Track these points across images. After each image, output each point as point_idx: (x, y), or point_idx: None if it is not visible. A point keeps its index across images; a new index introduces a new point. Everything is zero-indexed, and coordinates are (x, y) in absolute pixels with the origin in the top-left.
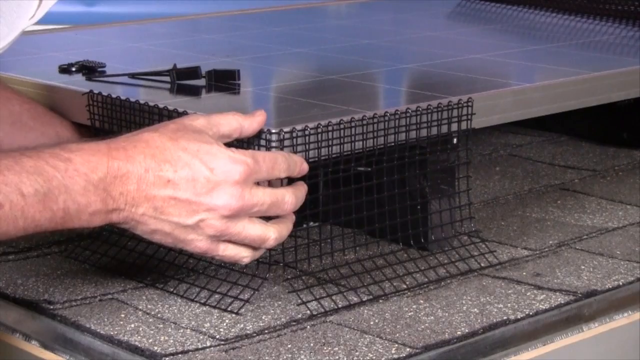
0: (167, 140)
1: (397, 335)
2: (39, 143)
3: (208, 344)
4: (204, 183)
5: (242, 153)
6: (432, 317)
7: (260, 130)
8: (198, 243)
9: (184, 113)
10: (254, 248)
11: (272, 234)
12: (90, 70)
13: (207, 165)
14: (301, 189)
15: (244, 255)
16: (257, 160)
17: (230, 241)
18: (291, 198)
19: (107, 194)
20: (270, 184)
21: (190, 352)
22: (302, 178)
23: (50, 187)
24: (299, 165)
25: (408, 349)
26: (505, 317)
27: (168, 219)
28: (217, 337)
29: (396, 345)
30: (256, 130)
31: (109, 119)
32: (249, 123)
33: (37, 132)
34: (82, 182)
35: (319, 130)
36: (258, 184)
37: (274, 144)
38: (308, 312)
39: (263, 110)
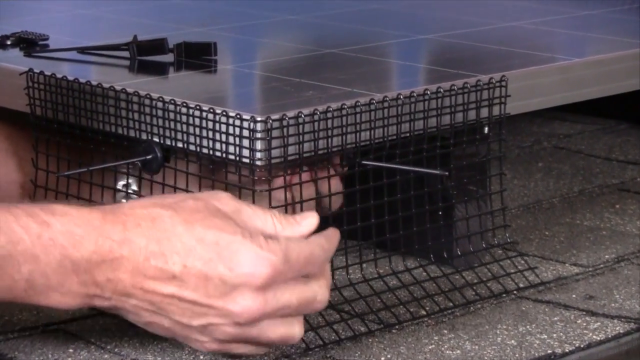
0: (179, 224)
1: None
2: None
3: None
4: (218, 284)
5: (271, 250)
6: (458, 351)
7: (242, 118)
8: (205, 344)
9: (147, 97)
10: None
11: (297, 331)
12: (29, 43)
13: (225, 264)
14: (328, 274)
15: (263, 349)
16: (288, 259)
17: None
18: (322, 296)
19: (89, 277)
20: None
21: None
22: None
23: (12, 251)
24: (333, 253)
25: None
26: (550, 351)
27: (168, 315)
28: None
29: None
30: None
31: (54, 104)
32: (290, 232)
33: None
34: (58, 255)
35: (316, 117)
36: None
37: (259, 135)
38: (303, 345)
39: (314, 213)
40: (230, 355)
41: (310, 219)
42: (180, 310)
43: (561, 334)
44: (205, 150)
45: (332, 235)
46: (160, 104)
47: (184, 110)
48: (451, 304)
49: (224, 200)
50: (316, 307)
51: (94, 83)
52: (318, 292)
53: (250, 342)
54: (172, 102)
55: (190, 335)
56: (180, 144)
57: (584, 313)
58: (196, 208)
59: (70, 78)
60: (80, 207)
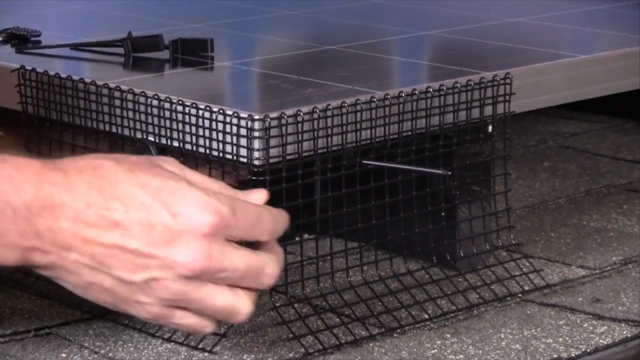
0: (122, 172)
1: None
2: None
3: None
4: (162, 231)
5: (218, 199)
6: (461, 356)
7: (239, 116)
8: (146, 307)
9: (142, 94)
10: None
11: (245, 307)
12: (21, 40)
13: (170, 209)
14: (281, 257)
15: (207, 324)
16: (235, 212)
17: (188, 308)
18: (273, 269)
19: (29, 226)
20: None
21: None
22: (294, 178)
23: None
24: (283, 230)
25: None
26: (555, 355)
27: (109, 271)
28: None
29: None
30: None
31: (46, 102)
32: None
33: None
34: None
35: (315, 116)
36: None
37: (256, 134)
38: (302, 349)
39: (264, 190)
40: (174, 326)
41: (259, 194)
42: (122, 263)
43: (567, 338)
44: (201, 150)
45: (281, 210)
46: (155, 102)
47: (179, 108)
48: (454, 307)
49: (169, 162)
50: (265, 281)
51: (88, 80)
52: (268, 263)
53: (194, 309)
54: (168, 100)
55: (132, 297)
56: (176, 143)
57: (591, 316)
58: (139, 161)
59: (63, 75)
60: (19, 156)
